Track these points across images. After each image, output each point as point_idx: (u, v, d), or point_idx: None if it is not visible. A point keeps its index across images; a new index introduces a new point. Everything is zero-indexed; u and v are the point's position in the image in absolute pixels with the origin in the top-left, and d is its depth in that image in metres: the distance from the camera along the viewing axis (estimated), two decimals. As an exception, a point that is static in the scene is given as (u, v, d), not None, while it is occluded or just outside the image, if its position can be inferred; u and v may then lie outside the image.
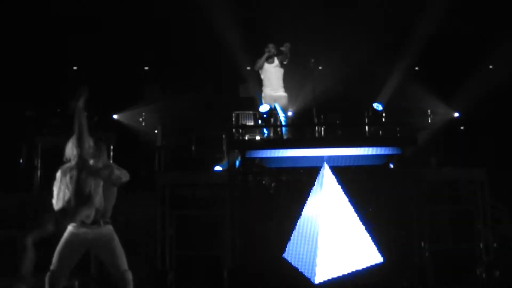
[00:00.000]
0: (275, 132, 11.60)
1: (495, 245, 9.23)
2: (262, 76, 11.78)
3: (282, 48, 11.49)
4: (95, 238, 6.17)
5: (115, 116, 15.66)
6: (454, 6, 13.83)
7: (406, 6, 14.22)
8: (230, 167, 10.25)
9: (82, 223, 6.13)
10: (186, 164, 12.29)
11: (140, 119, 15.43)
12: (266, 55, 11.60)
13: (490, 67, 16.20)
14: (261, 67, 11.65)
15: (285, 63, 11.62)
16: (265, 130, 11.84)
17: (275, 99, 11.53)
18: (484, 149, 13.20)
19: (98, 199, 6.23)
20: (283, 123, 11.53)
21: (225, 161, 11.78)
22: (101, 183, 6.30)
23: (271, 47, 11.67)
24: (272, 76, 11.61)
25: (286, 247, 8.92)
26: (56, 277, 5.96)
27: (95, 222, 6.20)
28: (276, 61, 11.64)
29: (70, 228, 6.13)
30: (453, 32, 15.10)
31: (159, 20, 14.65)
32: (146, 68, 16.80)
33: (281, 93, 11.62)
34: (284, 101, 11.63)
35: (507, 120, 14.38)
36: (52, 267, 5.99)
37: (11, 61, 14.47)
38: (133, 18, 14.73)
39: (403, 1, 14.10)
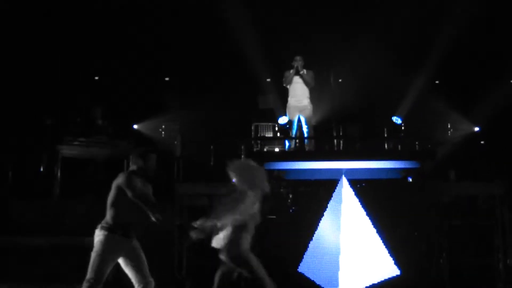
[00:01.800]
0: (297, 143, 11.57)
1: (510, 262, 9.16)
2: (288, 87, 11.69)
3: (301, 72, 11.42)
4: (133, 246, 6.27)
5: (135, 126, 15.75)
6: (475, 20, 13.80)
7: (426, 19, 14.21)
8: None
9: (124, 234, 6.19)
10: (205, 175, 12.31)
11: (160, 130, 15.49)
12: (294, 70, 11.49)
13: (511, 81, 16.13)
14: (290, 82, 11.55)
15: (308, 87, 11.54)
16: (287, 142, 11.80)
17: (300, 110, 11.47)
18: (504, 164, 13.11)
19: None
20: (306, 135, 11.48)
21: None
22: None
23: (299, 59, 11.55)
24: (298, 86, 11.51)
25: (301, 260, 8.92)
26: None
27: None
28: (304, 73, 11.54)
29: (106, 235, 6.12)
30: (474, 46, 15.05)
31: (180, 31, 14.74)
32: (167, 78, 16.89)
33: (306, 104, 11.54)
34: (309, 112, 11.54)
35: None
36: (89, 277, 5.98)
37: (33, 69, 14.63)
38: (154, 29, 14.84)
39: (424, 15, 14.08)
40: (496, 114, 14.61)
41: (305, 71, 11.50)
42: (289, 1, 14.17)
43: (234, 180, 6.80)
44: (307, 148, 11.34)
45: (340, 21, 14.21)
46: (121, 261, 6.23)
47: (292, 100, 11.57)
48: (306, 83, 11.47)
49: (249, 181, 6.68)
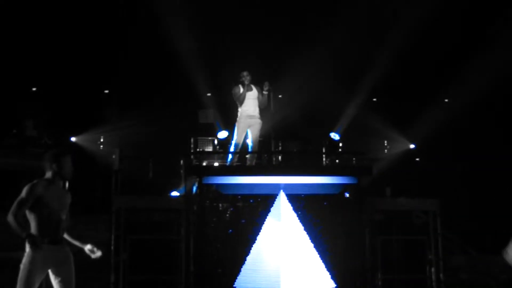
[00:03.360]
0: (240, 158, 11.54)
1: (441, 276, 9.38)
2: (238, 102, 11.61)
3: (265, 92, 11.36)
4: (63, 256, 6.08)
5: (73, 139, 15.53)
6: (411, 39, 14.12)
7: (365, 38, 14.48)
8: (187, 193, 10.22)
9: (51, 241, 5.99)
10: (143, 189, 12.21)
11: (98, 142, 15.31)
12: (246, 88, 11.38)
13: (446, 100, 16.52)
14: (243, 100, 11.45)
15: (261, 107, 11.50)
16: (230, 155, 11.74)
17: (250, 125, 11.41)
18: (438, 180, 13.39)
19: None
20: (250, 149, 11.43)
21: (182, 187, 11.73)
22: None
23: (246, 75, 11.46)
24: (250, 102, 11.39)
25: (238, 275, 8.92)
26: None
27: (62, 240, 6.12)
28: (255, 90, 11.45)
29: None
30: (411, 65, 15.38)
31: (120, 44, 14.65)
32: (106, 91, 16.74)
33: (257, 119, 11.48)
34: (258, 127, 11.47)
35: (460, 153, 14.65)
36: None
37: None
38: (93, 41, 14.71)
39: (362, 34, 14.34)
40: (431, 132, 14.93)
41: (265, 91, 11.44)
42: (228, 17, 14.21)
43: None
44: (248, 163, 11.33)
45: (280, 37, 14.36)
46: (50, 273, 6.06)
47: (243, 115, 11.46)
48: (260, 103, 11.44)
49: None
